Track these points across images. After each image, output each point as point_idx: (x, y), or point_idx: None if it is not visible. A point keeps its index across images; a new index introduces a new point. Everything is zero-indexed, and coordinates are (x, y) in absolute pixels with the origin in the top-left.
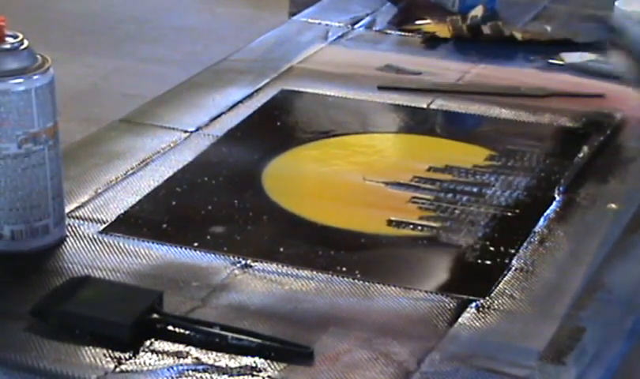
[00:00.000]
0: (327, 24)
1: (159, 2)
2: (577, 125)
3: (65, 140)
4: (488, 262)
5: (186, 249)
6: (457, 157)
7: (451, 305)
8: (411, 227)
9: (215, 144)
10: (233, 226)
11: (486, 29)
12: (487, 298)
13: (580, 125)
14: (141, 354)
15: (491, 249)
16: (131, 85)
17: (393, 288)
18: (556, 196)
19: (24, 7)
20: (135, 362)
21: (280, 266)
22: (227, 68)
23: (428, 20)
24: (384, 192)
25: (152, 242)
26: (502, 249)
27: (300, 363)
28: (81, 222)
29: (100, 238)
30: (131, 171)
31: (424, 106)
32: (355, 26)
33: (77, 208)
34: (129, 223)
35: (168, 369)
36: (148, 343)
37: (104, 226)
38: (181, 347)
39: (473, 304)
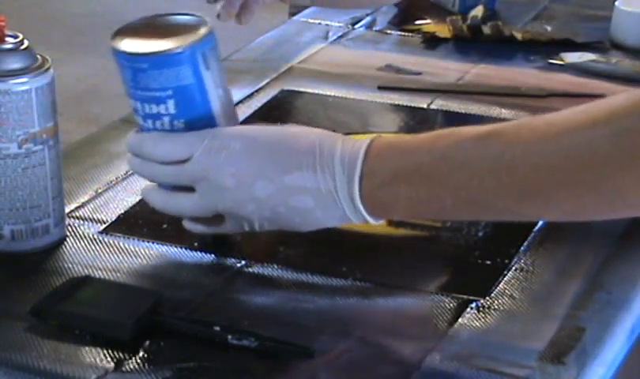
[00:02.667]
0: (327, 24)
1: (158, 2)
2: None
3: (65, 140)
4: (488, 262)
5: (186, 249)
6: None
7: (451, 305)
8: (411, 227)
9: None
10: None
11: (486, 29)
12: (487, 298)
13: None
14: (141, 354)
15: (491, 249)
16: None
17: (393, 288)
18: None
19: (24, 7)
20: (135, 362)
21: (280, 266)
22: (227, 68)
23: (428, 20)
24: None
25: (152, 242)
26: (502, 249)
27: (300, 363)
28: (81, 222)
29: (100, 238)
30: (131, 171)
31: (424, 106)
32: (355, 26)
33: (77, 208)
34: (129, 223)
35: (168, 369)
36: (148, 343)
37: (104, 226)
38: (181, 347)
39: (473, 304)
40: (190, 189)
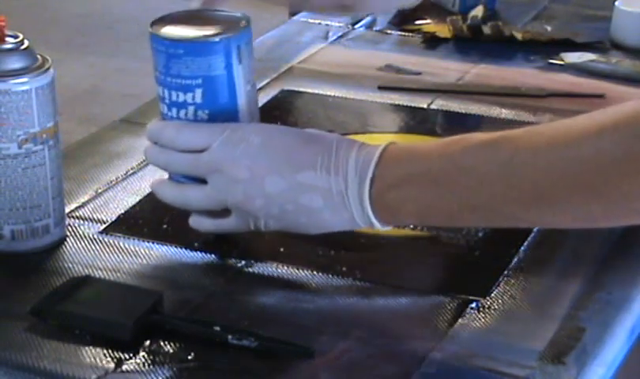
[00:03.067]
0: (327, 24)
1: (159, 2)
2: None
3: (65, 140)
4: (488, 262)
5: (186, 249)
6: None
7: (451, 305)
8: (411, 226)
9: None
10: None
11: (486, 29)
12: (487, 298)
13: None
14: (142, 354)
15: (491, 249)
16: (131, 85)
17: (393, 288)
18: None
19: (24, 7)
20: (135, 362)
21: (280, 266)
22: None
23: (428, 20)
24: None
25: (152, 242)
26: (502, 249)
27: (300, 363)
28: (81, 222)
29: (100, 238)
30: (131, 171)
31: (424, 106)
32: (355, 26)
33: (77, 208)
34: (129, 223)
35: (168, 369)
36: (148, 343)
37: (104, 226)
38: (181, 347)
39: (473, 304)
40: (201, 182)
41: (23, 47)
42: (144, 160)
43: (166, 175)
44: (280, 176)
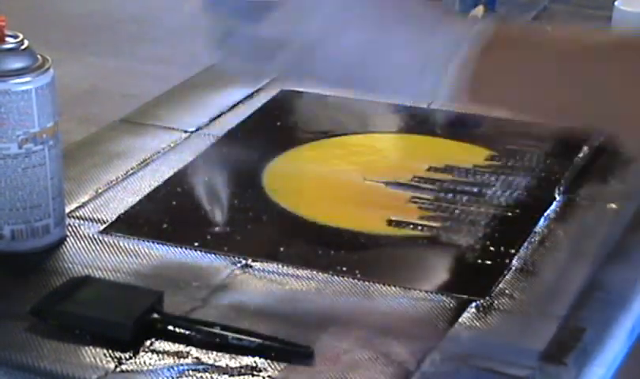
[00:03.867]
0: None
1: (159, 2)
2: None
3: (65, 140)
4: (488, 262)
5: (186, 249)
6: (457, 157)
7: (451, 305)
8: (411, 226)
9: (215, 144)
10: (233, 226)
11: None
12: (487, 298)
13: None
14: (142, 354)
15: (491, 249)
16: (131, 85)
17: (393, 288)
18: (556, 196)
19: (24, 7)
20: (135, 362)
21: (280, 266)
22: (227, 68)
23: None
24: (384, 192)
25: (152, 242)
26: (502, 249)
27: (300, 363)
28: (81, 222)
29: (100, 238)
30: (131, 171)
31: (424, 106)
32: None
33: (77, 208)
34: (129, 223)
35: (168, 369)
36: (148, 343)
37: (104, 226)
38: (181, 347)
39: (473, 304)
40: None
41: (23, 47)
42: (144, 160)
43: None
44: None
